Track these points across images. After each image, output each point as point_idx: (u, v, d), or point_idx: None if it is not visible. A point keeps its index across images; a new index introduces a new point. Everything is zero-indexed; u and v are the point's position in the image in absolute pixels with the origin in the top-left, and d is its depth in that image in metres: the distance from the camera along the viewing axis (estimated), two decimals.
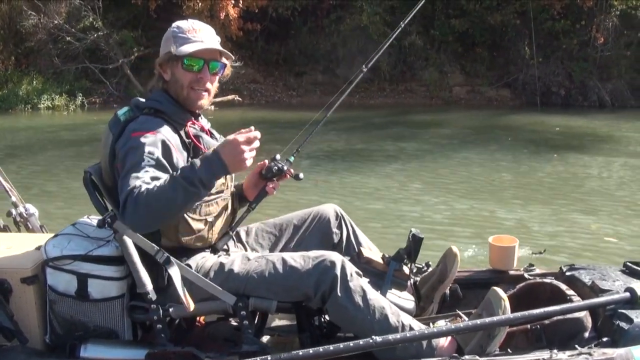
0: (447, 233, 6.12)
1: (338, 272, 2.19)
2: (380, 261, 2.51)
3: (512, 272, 2.88)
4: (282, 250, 2.61)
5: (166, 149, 2.16)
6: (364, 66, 3.28)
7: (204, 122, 2.46)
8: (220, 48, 2.31)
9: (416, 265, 2.68)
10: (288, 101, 19.10)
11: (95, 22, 19.06)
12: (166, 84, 2.33)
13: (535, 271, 2.86)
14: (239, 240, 2.62)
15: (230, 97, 18.05)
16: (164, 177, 2.05)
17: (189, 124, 2.34)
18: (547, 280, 2.63)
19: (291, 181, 2.58)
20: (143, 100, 2.35)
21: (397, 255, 2.51)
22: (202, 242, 2.35)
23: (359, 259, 2.50)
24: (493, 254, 2.92)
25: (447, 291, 2.72)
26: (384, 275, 2.46)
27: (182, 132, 2.27)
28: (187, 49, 2.23)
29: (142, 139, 2.12)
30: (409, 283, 2.52)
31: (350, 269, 2.23)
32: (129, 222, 2.03)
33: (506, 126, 15.06)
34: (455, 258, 2.62)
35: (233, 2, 18.52)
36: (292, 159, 2.60)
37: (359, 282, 2.22)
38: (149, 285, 2.23)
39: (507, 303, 2.22)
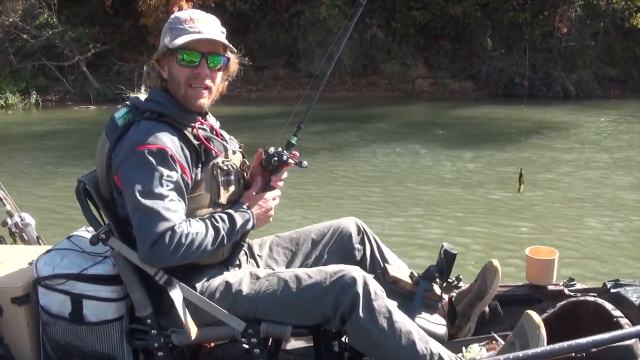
0: (476, 243, 5.58)
1: (360, 289, 1.92)
2: (409, 280, 2.23)
3: (551, 287, 2.64)
4: (300, 267, 2.36)
5: (177, 166, 1.91)
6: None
7: (212, 120, 2.18)
8: (222, 40, 2.01)
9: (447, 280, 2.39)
10: (247, 96, 18.87)
11: (51, 19, 18.85)
12: (165, 82, 2.05)
13: (576, 286, 2.63)
14: (252, 254, 2.34)
15: None
16: (184, 209, 1.92)
17: (197, 124, 2.06)
18: (590, 298, 2.40)
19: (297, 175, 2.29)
20: (143, 99, 2.06)
21: (427, 273, 2.23)
22: (213, 258, 2.08)
23: (384, 278, 2.20)
24: (531, 267, 2.67)
25: (487, 309, 2.46)
26: (412, 296, 2.18)
27: (190, 135, 2.00)
28: (181, 40, 1.94)
29: (151, 157, 1.86)
30: (440, 305, 2.25)
31: (374, 286, 1.96)
32: (151, 263, 1.89)
33: (470, 117, 14.93)
34: (496, 273, 2.36)
35: None
36: (294, 140, 2.20)
37: (383, 302, 1.95)
38: (148, 309, 2.01)
39: (543, 331, 1.98)
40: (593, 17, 21.00)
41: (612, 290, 2.43)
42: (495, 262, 2.40)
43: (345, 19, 19.53)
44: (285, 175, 2.19)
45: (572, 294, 2.56)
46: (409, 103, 18.27)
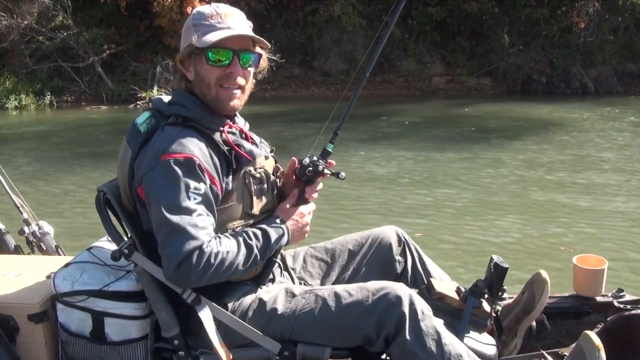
0: (520, 250, 5.29)
1: (406, 309, 1.78)
2: (456, 296, 2.07)
3: (599, 299, 2.49)
4: (335, 281, 2.22)
5: (205, 177, 1.76)
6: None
7: (241, 122, 2.02)
8: (253, 35, 1.87)
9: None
10: (262, 95, 18.77)
11: (66, 20, 18.89)
12: (190, 84, 1.89)
13: (626, 297, 2.48)
14: (285, 267, 2.16)
15: None
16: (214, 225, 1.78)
17: (226, 128, 1.89)
18: None
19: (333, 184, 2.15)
20: (166, 102, 1.89)
21: (476, 288, 2.07)
22: (245, 274, 1.91)
23: (429, 294, 2.05)
24: (578, 277, 2.51)
25: (534, 323, 2.31)
26: (459, 314, 2.03)
27: (219, 140, 1.84)
28: (211, 38, 1.78)
29: (177, 167, 1.71)
30: (489, 322, 2.09)
31: (421, 305, 1.82)
32: (178, 284, 1.75)
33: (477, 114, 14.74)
34: (545, 285, 2.21)
35: None
36: (330, 147, 2.02)
37: (431, 322, 1.81)
38: (175, 329, 1.86)
39: (603, 354, 1.86)
40: (612, 12, 20.70)
41: None
42: (544, 274, 2.24)
43: (360, 17, 19.44)
44: (320, 186, 2.04)
45: (621, 306, 2.42)
46: (426, 100, 18.11)
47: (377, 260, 2.23)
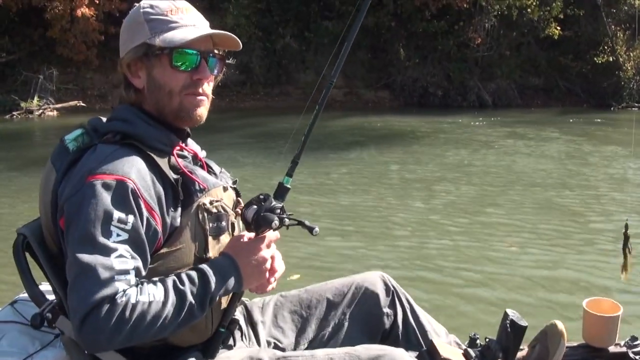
0: (516, 290, 4.33)
1: None
2: None
3: (612, 349, 2.18)
4: (313, 340, 1.84)
5: (139, 209, 1.38)
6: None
7: (195, 147, 1.66)
8: (227, 33, 1.57)
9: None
10: None
11: None
12: (140, 94, 1.52)
13: None
14: (250, 320, 1.81)
15: (72, 102, 17.58)
16: (143, 271, 1.37)
17: (175, 150, 1.53)
18: None
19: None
20: (105, 119, 1.54)
21: (488, 351, 1.79)
22: (196, 334, 1.54)
23: (430, 358, 1.74)
24: (589, 324, 2.19)
25: None
26: None
27: (165, 166, 1.47)
28: (179, 35, 1.46)
29: (104, 191, 1.34)
30: None
31: None
32: (85, 345, 1.35)
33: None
34: (561, 339, 1.92)
35: (87, 2, 18.11)
36: (288, 182, 1.65)
37: None
38: None
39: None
40: (509, 28, 21.20)
41: None
42: (560, 325, 1.94)
43: (255, 29, 19.49)
44: (275, 235, 1.58)
45: (637, 357, 2.16)
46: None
47: (362, 314, 1.87)
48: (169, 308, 1.33)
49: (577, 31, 22.04)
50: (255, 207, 1.52)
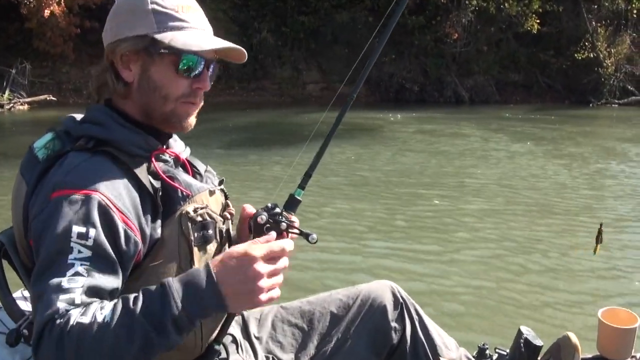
0: (530, 299, 4.16)
1: None
2: None
3: None
4: (314, 355, 1.72)
5: (109, 222, 1.24)
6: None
7: (179, 147, 1.51)
8: (241, 48, 1.43)
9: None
10: None
11: None
12: (127, 90, 1.37)
13: None
14: (246, 335, 1.68)
15: (42, 96, 17.46)
16: (109, 290, 1.22)
17: (155, 154, 1.39)
18: None
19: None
20: (78, 119, 1.41)
21: None
22: (182, 352, 1.38)
23: None
24: (604, 335, 2.11)
25: None
26: None
27: (142, 173, 1.33)
28: (193, 40, 1.33)
29: (68, 208, 1.21)
30: None
31: None
32: None
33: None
34: (576, 353, 1.85)
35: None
36: (299, 194, 1.49)
37: None
38: None
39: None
40: (487, 24, 21.25)
41: None
42: (574, 338, 1.87)
43: (232, 24, 19.48)
44: (288, 245, 1.29)
45: None
46: (294, 107, 18.19)
47: (368, 328, 1.74)
48: (117, 331, 1.11)
49: (558, 27, 22.12)
50: (264, 216, 1.39)
